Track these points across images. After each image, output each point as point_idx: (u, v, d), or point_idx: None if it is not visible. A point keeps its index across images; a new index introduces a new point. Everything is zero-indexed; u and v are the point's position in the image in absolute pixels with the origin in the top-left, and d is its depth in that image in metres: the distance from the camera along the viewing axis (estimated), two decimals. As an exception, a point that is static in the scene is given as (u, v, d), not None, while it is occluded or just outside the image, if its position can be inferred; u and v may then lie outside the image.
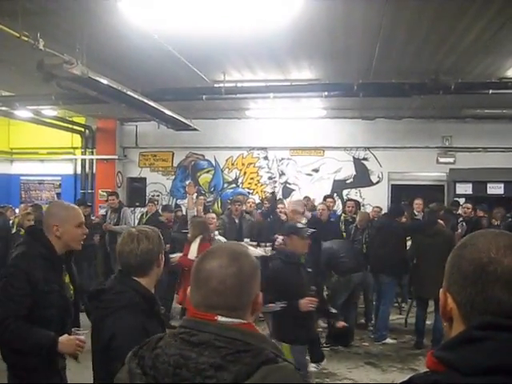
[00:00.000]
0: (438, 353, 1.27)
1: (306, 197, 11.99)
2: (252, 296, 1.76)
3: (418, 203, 11.30)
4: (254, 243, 9.38)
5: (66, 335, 3.48)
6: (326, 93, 10.06)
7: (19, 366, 3.54)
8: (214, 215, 9.00)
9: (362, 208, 12.26)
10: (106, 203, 13.41)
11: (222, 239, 8.66)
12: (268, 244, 9.67)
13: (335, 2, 6.41)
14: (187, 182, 14.00)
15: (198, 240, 7.99)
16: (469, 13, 6.57)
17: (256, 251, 9.34)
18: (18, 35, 5.86)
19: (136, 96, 9.22)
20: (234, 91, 10.08)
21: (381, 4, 6.42)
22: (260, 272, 1.83)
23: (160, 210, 11.67)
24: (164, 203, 15.45)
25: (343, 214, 10.88)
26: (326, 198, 11.45)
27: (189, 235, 8.23)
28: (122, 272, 3.08)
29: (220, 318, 1.66)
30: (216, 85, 10.17)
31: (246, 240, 9.30)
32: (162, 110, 10.60)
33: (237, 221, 9.75)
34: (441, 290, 1.40)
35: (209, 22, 6.98)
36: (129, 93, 8.89)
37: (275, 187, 15.31)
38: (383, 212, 11.58)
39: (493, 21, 6.83)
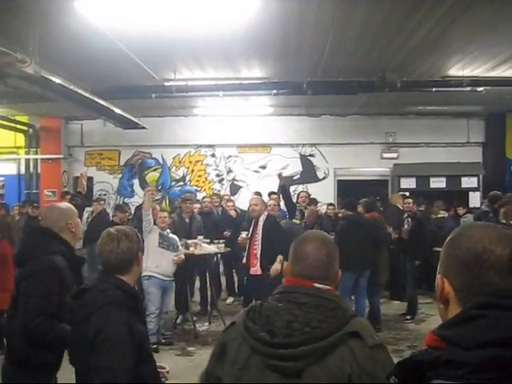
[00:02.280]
0: (439, 331, 1.40)
1: (257, 192, 12.04)
2: (335, 270, 2.38)
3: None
4: (207, 240, 9.41)
5: None
6: (275, 91, 10.22)
7: (31, 362, 3.54)
8: (165, 214, 8.96)
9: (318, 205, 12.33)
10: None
11: (175, 237, 8.68)
12: (221, 241, 9.74)
13: (289, 3, 6.53)
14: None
15: None
16: (418, 13, 6.82)
17: (210, 248, 9.41)
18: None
19: (86, 95, 9.14)
20: (184, 90, 10.12)
21: (333, 3, 6.58)
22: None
23: (112, 210, 11.54)
24: (111, 202, 15.37)
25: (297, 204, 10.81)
26: (270, 194, 11.50)
27: None
28: (104, 271, 3.13)
29: (316, 285, 2.24)
30: (166, 83, 10.17)
31: (200, 237, 9.30)
32: (112, 108, 10.53)
33: (187, 220, 9.74)
34: (438, 276, 1.54)
35: (161, 21, 7.02)
36: (79, 91, 8.81)
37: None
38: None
39: (440, 21, 7.10)
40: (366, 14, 6.95)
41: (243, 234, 8.74)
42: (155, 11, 6.64)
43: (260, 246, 8.20)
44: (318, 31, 7.66)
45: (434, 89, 10.04)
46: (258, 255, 8.21)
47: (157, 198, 14.84)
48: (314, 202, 11.40)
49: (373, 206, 10.15)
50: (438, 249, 6.85)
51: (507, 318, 1.33)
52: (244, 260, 8.51)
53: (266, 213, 8.44)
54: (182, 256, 8.56)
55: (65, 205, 4.10)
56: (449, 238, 1.57)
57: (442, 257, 1.56)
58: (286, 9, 6.72)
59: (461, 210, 12.08)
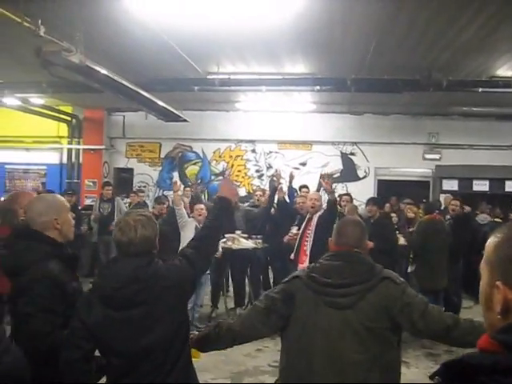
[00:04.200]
0: (498, 335, 1.27)
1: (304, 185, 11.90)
2: (365, 242, 3.40)
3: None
4: (245, 235, 9.36)
5: None
6: (319, 87, 10.09)
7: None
8: (202, 206, 8.92)
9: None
10: (97, 193, 13.46)
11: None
12: (259, 236, 9.66)
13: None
14: (173, 179, 14.00)
15: None
16: (467, 11, 6.66)
17: (248, 243, 9.34)
18: (19, 20, 5.81)
19: (130, 86, 9.19)
20: (227, 83, 10.07)
21: (379, 1, 6.48)
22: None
23: (153, 202, 11.59)
24: (150, 194, 15.49)
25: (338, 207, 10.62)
26: (301, 188, 11.33)
27: None
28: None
29: (355, 249, 3.23)
30: (209, 76, 10.16)
31: (238, 232, 9.27)
32: (155, 100, 10.56)
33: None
34: (497, 283, 1.36)
35: (206, 14, 7.01)
36: (123, 82, 8.86)
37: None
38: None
39: (490, 20, 6.92)
40: (413, 11, 6.82)
41: (294, 230, 8.61)
42: (200, 4, 6.64)
43: (311, 242, 8.01)
44: (363, 28, 7.56)
45: (480, 89, 9.79)
46: (308, 251, 7.99)
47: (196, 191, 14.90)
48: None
49: (433, 208, 9.76)
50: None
51: None
52: (292, 256, 8.38)
53: (322, 210, 8.34)
54: (220, 250, 8.50)
55: (53, 197, 3.70)
56: (498, 240, 1.41)
57: (496, 262, 1.40)
58: (332, 4, 6.64)
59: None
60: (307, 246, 8.06)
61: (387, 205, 12.56)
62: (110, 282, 3.00)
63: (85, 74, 7.91)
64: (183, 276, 3.16)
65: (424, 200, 12.69)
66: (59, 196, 3.84)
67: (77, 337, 2.97)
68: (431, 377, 1.30)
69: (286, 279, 3.31)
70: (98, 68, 7.78)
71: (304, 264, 7.98)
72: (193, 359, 3.31)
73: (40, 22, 6.07)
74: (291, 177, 11.06)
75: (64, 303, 3.21)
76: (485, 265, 1.43)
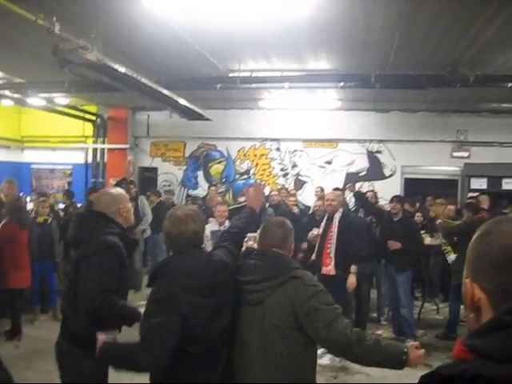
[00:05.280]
0: (467, 341, 1.22)
1: (318, 187, 11.80)
2: (289, 243, 3.54)
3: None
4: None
5: None
6: (343, 83, 9.92)
7: (89, 339, 3.53)
8: (225, 207, 8.85)
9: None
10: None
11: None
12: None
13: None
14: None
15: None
16: (493, 3, 6.43)
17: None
18: (33, 18, 5.74)
19: (150, 84, 9.13)
20: (248, 81, 9.97)
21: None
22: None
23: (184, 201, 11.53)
24: (175, 193, 15.50)
25: None
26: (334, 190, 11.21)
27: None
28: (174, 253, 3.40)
29: (274, 249, 3.41)
30: (231, 74, 10.05)
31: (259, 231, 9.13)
32: (176, 99, 10.50)
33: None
34: (465, 281, 1.34)
35: (226, 11, 6.90)
36: (143, 80, 8.80)
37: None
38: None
39: (517, 11, 6.69)
40: (437, 5, 6.61)
41: (314, 231, 8.44)
42: (220, 1, 6.53)
43: (335, 244, 7.84)
44: (386, 23, 7.36)
45: (509, 84, 9.53)
46: (333, 254, 7.82)
47: (220, 190, 14.87)
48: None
49: (478, 208, 9.46)
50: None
51: None
52: (314, 257, 8.23)
53: (341, 209, 8.16)
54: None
55: (116, 191, 4.26)
56: (475, 236, 1.37)
57: (468, 258, 1.36)
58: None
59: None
60: (331, 249, 7.89)
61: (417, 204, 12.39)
62: (199, 273, 3.19)
63: (104, 73, 7.86)
64: (232, 264, 3.47)
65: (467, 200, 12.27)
66: (119, 188, 4.40)
67: (171, 326, 3.05)
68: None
69: None
70: (116, 66, 7.71)
71: (329, 267, 7.83)
72: None
73: (55, 19, 5.99)
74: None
75: (120, 274, 3.70)
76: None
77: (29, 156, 17.01)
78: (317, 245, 8.15)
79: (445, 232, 9.26)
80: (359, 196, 9.83)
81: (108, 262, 3.64)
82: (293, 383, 3.15)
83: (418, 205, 12.52)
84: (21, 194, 11.93)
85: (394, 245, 8.42)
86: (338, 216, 8.03)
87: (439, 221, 9.57)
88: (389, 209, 9.26)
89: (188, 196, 15.18)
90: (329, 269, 7.81)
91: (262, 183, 15.23)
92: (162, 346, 2.99)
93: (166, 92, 9.81)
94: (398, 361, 2.93)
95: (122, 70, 7.99)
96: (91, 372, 3.68)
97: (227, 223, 8.49)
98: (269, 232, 3.51)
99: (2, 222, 8.18)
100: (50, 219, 9.28)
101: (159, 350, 2.98)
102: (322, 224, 8.22)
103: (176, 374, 3.13)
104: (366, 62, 9.30)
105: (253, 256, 3.48)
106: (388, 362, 2.98)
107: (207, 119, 13.03)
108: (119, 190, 4.28)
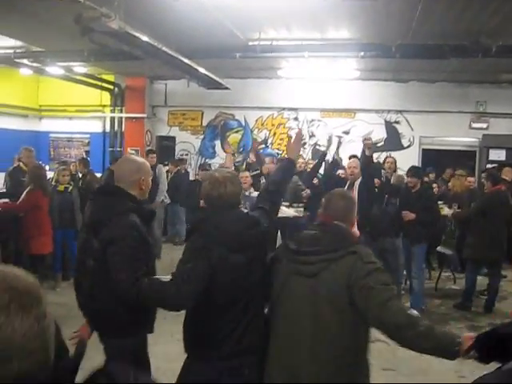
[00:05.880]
0: None
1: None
2: (351, 216, 3.42)
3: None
4: (287, 203, 9.30)
5: None
6: (363, 53, 9.86)
7: (125, 325, 3.58)
8: (247, 173, 8.92)
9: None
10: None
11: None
12: (300, 204, 9.62)
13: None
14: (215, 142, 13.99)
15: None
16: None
17: (288, 211, 9.29)
18: (58, -14, 5.77)
19: (171, 53, 9.13)
20: (268, 50, 9.95)
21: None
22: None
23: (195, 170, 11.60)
24: (192, 163, 15.55)
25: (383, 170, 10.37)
26: (350, 157, 11.23)
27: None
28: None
29: (336, 222, 3.25)
30: (250, 43, 10.01)
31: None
32: (196, 67, 10.49)
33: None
34: None
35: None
36: (164, 49, 8.80)
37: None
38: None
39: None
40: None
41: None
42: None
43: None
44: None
45: (531, 55, 9.45)
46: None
47: (238, 160, 14.90)
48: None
49: (499, 179, 9.36)
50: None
51: None
52: None
53: (361, 177, 8.31)
54: None
55: (141, 159, 4.05)
56: None
57: None
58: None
59: None
60: None
61: (431, 175, 12.36)
62: (231, 228, 3.25)
63: (125, 41, 7.87)
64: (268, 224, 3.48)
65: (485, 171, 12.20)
66: (145, 159, 4.15)
67: (199, 272, 3.14)
68: (465, 354, 1.26)
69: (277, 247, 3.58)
70: (137, 34, 7.71)
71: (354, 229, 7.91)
72: None
73: (79, -13, 6.01)
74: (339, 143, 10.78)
75: (146, 253, 3.61)
76: None
77: (47, 125, 17.06)
78: None
79: (461, 222, 9.37)
80: (367, 161, 9.46)
81: (135, 245, 3.49)
82: (344, 359, 3.03)
83: (431, 176, 12.50)
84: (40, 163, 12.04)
85: (409, 215, 8.42)
86: (358, 183, 8.34)
87: (451, 212, 9.89)
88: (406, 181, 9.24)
89: (201, 165, 15.13)
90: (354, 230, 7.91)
91: (280, 152, 15.24)
92: (189, 286, 3.09)
93: (186, 60, 9.81)
94: (450, 351, 2.69)
95: (144, 38, 8.00)
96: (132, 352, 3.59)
97: (252, 189, 8.57)
98: (330, 204, 3.38)
99: (27, 190, 8.29)
100: (70, 187, 9.38)
101: (185, 289, 3.09)
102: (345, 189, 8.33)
103: (202, 323, 3.26)
104: (387, 31, 9.23)
105: (311, 227, 3.37)
106: (439, 351, 2.80)
107: (226, 88, 13.01)
108: (144, 160, 4.04)
